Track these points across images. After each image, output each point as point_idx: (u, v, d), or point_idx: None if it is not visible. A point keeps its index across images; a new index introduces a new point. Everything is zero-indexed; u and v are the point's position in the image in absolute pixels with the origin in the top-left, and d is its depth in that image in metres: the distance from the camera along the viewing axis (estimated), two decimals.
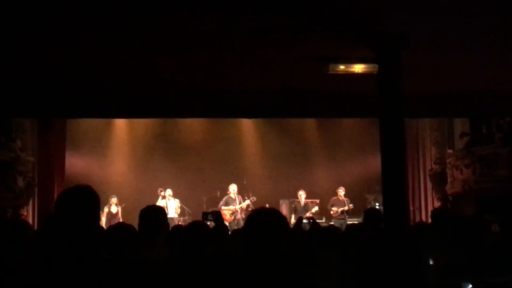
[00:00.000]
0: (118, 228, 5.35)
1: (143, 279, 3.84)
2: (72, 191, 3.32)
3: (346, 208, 16.16)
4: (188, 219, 15.09)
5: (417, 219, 16.23)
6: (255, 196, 15.97)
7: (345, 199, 16.42)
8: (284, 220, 3.21)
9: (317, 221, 15.25)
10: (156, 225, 5.10)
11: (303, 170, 18.64)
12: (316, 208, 16.29)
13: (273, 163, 18.65)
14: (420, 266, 2.35)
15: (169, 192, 16.06)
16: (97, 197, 3.32)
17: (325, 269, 5.29)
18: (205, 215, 6.71)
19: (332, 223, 14.67)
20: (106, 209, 15.76)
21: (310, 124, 18.79)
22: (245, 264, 3.11)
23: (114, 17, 7.42)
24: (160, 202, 15.79)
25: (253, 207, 15.34)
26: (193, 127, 18.23)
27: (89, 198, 3.27)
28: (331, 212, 16.28)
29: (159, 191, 16.07)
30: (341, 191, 16.53)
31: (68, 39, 8.28)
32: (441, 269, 5.03)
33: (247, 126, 18.74)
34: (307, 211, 15.94)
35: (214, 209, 15.63)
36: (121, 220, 15.23)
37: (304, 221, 9.62)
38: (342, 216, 16.06)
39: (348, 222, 14.92)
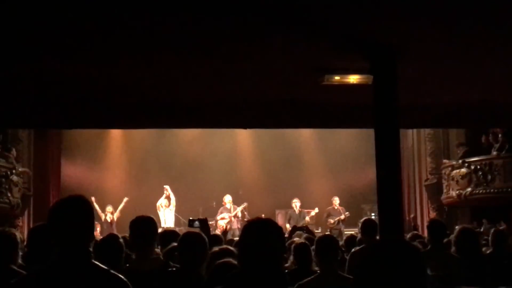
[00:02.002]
0: (110, 239, 5.36)
1: None
2: (66, 202, 3.31)
3: (342, 217, 16.16)
4: (183, 230, 15.07)
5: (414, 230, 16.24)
6: (246, 202, 15.98)
7: (340, 208, 16.43)
8: (280, 229, 3.22)
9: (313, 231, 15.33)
10: (147, 235, 5.08)
11: (299, 180, 18.66)
12: (316, 210, 16.27)
13: (269, 174, 18.68)
14: (420, 277, 2.36)
15: (165, 202, 16.07)
16: (91, 207, 3.31)
17: (322, 278, 5.29)
18: (191, 222, 6.69)
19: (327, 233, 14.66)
20: (103, 217, 15.79)
21: (306, 134, 18.82)
22: (242, 274, 3.11)
23: (110, 28, 7.43)
24: (162, 200, 15.90)
25: (247, 216, 15.35)
26: (188, 137, 18.25)
27: (83, 208, 3.26)
28: (328, 223, 16.29)
29: (164, 189, 16.14)
30: (336, 200, 16.54)
31: (64, 50, 8.28)
32: (438, 279, 5.04)
33: (243, 136, 18.77)
34: (303, 219, 15.96)
35: (210, 219, 15.65)
36: (114, 229, 15.27)
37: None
38: (338, 226, 16.06)
39: (345, 232, 14.92)
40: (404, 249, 2.42)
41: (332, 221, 16.22)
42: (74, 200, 3.29)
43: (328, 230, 15.85)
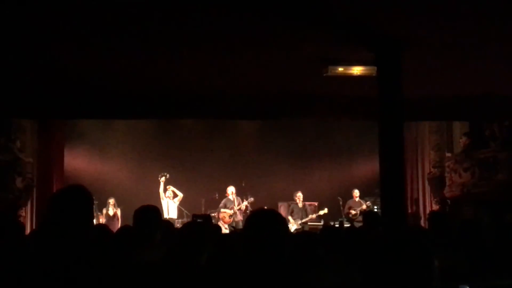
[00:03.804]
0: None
1: (140, 279, 3.84)
2: (65, 192, 3.32)
3: (364, 207, 16.12)
4: (186, 221, 15.09)
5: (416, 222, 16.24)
6: (252, 198, 15.96)
7: (361, 200, 16.44)
8: (284, 220, 3.21)
9: (315, 224, 15.36)
10: (151, 225, 5.08)
11: (301, 172, 18.63)
12: (325, 210, 16.20)
13: (272, 165, 18.65)
14: (429, 268, 2.36)
15: (169, 193, 16.06)
16: (91, 197, 3.31)
17: (327, 270, 5.29)
18: (195, 217, 6.70)
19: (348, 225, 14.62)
20: (104, 211, 15.76)
21: (309, 126, 18.78)
22: (245, 265, 3.11)
23: (115, 18, 7.43)
24: (161, 189, 15.87)
25: (251, 209, 15.35)
26: (192, 128, 18.23)
27: (82, 198, 3.26)
28: (350, 215, 16.27)
29: (159, 177, 16.09)
30: (357, 192, 16.53)
31: (69, 40, 8.28)
32: (439, 272, 5.03)
33: (246, 128, 18.74)
34: (306, 212, 15.96)
35: (212, 211, 15.66)
36: (119, 221, 15.27)
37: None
38: (361, 218, 15.97)
39: None
40: (412, 241, 2.42)
41: (354, 211, 16.22)
42: (74, 190, 3.30)
43: (348, 222, 15.84)
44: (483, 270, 5.32)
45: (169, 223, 6.80)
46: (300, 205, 16.23)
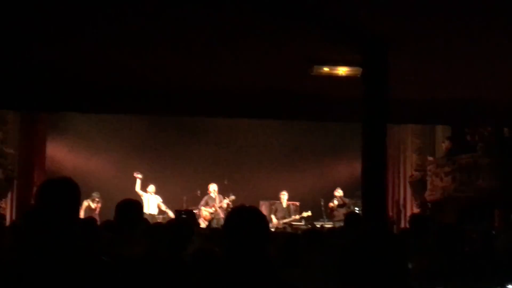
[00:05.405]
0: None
1: (121, 273, 3.83)
2: (54, 183, 3.30)
3: (347, 200, 16.17)
4: (167, 218, 15.05)
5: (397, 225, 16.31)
6: (234, 196, 15.95)
7: (344, 199, 16.45)
8: (264, 218, 3.22)
9: (298, 223, 15.38)
10: (132, 219, 5.06)
11: (284, 172, 18.65)
12: (309, 213, 16.14)
13: (255, 164, 18.67)
14: (402, 268, 2.37)
15: (151, 188, 16.02)
16: (78, 190, 3.30)
17: (307, 269, 5.31)
18: (178, 213, 6.68)
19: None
20: (85, 203, 15.66)
21: (293, 126, 18.79)
22: (226, 262, 3.11)
23: (103, 10, 7.39)
24: (138, 186, 15.82)
25: (232, 207, 15.34)
26: (176, 125, 18.19)
27: (70, 190, 3.25)
28: (330, 207, 16.26)
29: (135, 174, 16.02)
30: (340, 192, 16.51)
31: (55, 32, 8.23)
32: (418, 274, 5.07)
33: (230, 126, 18.72)
34: (289, 212, 15.93)
35: (194, 208, 15.62)
36: (97, 215, 15.18)
37: None
38: (340, 211, 15.95)
39: None
40: (386, 241, 2.43)
41: (333, 204, 16.18)
42: (62, 182, 3.29)
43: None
44: (461, 273, 5.36)
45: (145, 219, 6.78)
46: (284, 204, 16.20)
